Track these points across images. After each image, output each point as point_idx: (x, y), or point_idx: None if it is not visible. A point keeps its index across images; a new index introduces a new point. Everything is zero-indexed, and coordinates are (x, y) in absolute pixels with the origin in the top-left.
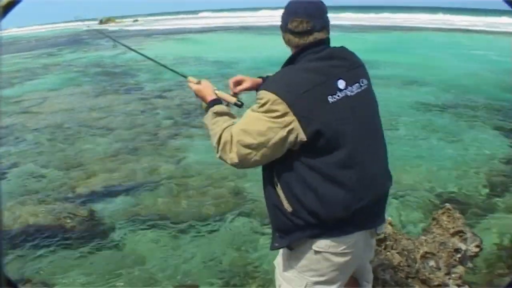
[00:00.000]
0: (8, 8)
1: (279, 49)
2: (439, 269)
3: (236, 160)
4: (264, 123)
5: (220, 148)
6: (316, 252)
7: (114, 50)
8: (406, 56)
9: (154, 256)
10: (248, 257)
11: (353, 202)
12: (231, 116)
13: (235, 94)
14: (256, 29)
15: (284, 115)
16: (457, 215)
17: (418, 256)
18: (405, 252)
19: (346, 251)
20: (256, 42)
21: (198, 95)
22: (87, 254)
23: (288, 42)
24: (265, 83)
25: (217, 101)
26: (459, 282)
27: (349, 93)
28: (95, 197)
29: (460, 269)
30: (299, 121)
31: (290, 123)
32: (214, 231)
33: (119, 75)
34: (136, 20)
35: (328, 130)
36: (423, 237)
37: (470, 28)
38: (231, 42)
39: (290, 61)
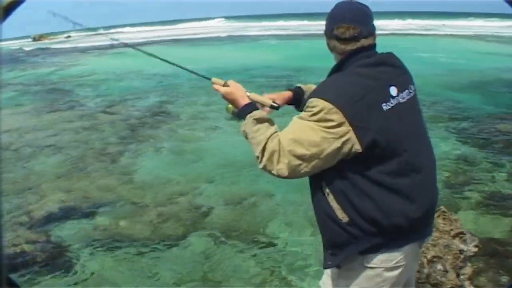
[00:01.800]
0: (9, 9)
1: (217, 60)
2: (447, 271)
3: (285, 172)
4: (318, 133)
5: (265, 158)
6: (368, 268)
7: (52, 67)
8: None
9: (118, 279)
10: (215, 272)
11: (411, 210)
12: (271, 122)
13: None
14: (187, 41)
15: (339, 125)
16: (453, 217)
17: (425, 261)
18: (419, 258)
19: (398, 264)
20: (191, 53)
21: (227, 98)
22: (49, 281)
23: (333, 49)
24: (315, 91)
25: (253, 105)
26: (468, 283)
27: (401, 100)
28: (52, 221)
29: (467, 270)
30: (355, 131)
31: (345, 134)
32: (177, 249)
33: (60, 92)
34: (69, 36)
35: (383, 139)
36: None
37: (404, 32)
38: (167, 55)
39: (338, 68)
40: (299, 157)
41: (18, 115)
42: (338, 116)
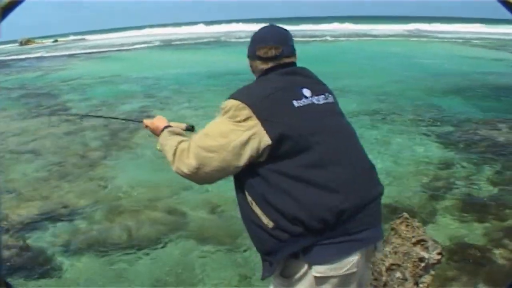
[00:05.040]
0: (8, 9)
1: (202, 64)
2: (406, 280)
3: (194, 164)
4: (227, 126)
5: (176, 158)
6: (317, 278)
7: (36, 72)
8: (328, 66)
9: (94, 284)
10: (192, 276)
11: (336, 201)
12: (185, 137)
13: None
14: (175, 45)
15: (247, 119)
16: (416, 223)
17: (383, 269)
18: (370, 265)
19: (348, 272)
20: (177, 57)
21: (151, 127)
22: (25, 286)
23: (255, 69)
24: (229, 97)
25: (170, 126)
26: None
27: (315, 102)
28: (29, 226)
29: (427, 278)
30: (262, 124)
31: (253, 127)
32: (154, 253)
33: (44, 97)
34: (56, 41)
35: (294, 133)
36: (386, 249)
37: (390, 37)
38: (153, 59)
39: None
40: (208, 148)
41: (1, 120)
42: (246, 112)
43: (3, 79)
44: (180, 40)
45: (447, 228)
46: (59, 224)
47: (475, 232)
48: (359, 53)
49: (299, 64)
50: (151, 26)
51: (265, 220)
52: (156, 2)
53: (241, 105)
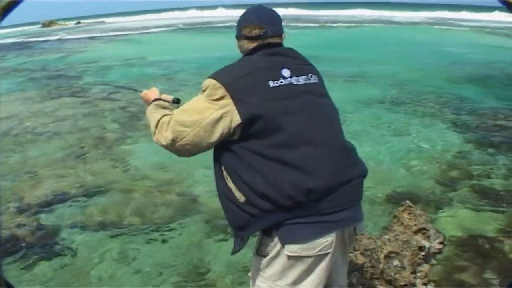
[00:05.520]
0: (8, 9)
1: (223, 48)
2: (404, 268)
3: (170, 136)
4: (203, 103)
5: (157, 130)
6: (289, 257)
7: (58, 53)
8: (348, 52)
9: (107, 264)
10: (202, 260)
11: (306, 181)
12: (171, 110)
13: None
14: (197, 28)
15: (221, 98)
16: (419, 212)
17: (381, 256)
18: (368, 252)
19: (322, 252)
20: (199, 41)
21: (144, 99)
22: (39, 265)
23: (241, 48)
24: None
25: (160, 99)
26: (425, 280)
27: (294, 82)
28: (44, 205)
29: (425, 267)
30: (235, 103)
31: (226, 106)
32: (166, 235)
33: (65, 78)
34: (79, 22)
35: (265, 113)
36: (386, 236)
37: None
38: (175, 42)
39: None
40: (183, 123)
41: (21, 101)
42: (221, 91)
43: (25, 60)
44: (202, 23)
45: (460, 218)
46: (72, 204)
47: (488, 224)
48: (382, 39)
49: (320, 49)
50: (172, 9)
51: (238, 194)
52: None
53: (217, 84)
